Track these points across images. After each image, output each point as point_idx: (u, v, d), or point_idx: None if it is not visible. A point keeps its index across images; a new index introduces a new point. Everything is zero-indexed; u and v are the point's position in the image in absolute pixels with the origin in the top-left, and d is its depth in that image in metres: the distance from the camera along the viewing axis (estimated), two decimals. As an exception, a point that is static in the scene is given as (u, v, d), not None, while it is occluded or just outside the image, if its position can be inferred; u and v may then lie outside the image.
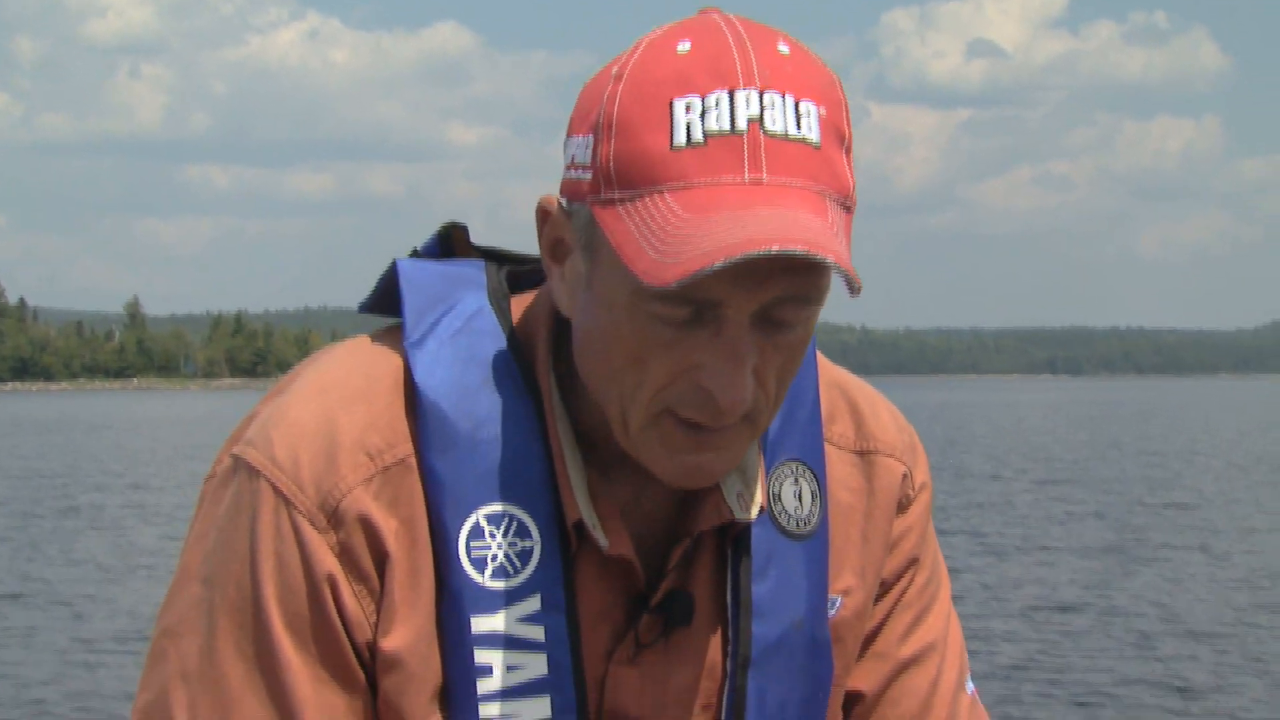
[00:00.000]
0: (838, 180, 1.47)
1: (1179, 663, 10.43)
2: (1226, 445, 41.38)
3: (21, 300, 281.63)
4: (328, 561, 1.55)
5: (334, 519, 1.55)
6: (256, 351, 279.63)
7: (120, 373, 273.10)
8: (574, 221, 1.53)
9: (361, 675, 1.56)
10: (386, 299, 1.69)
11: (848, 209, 1.50)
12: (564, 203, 1.55)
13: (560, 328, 1.62)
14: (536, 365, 1.62)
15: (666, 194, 1.43)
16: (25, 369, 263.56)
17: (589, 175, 1.49)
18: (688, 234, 1.40)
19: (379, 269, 1.69)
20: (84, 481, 29.86)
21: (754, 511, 1.64)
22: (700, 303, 1.44)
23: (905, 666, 1.79)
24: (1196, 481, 27.99)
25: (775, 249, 1.36)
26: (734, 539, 1.66)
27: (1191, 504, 22.93)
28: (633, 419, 1.52)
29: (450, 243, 1.73)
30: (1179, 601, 13.61)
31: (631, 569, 1.61)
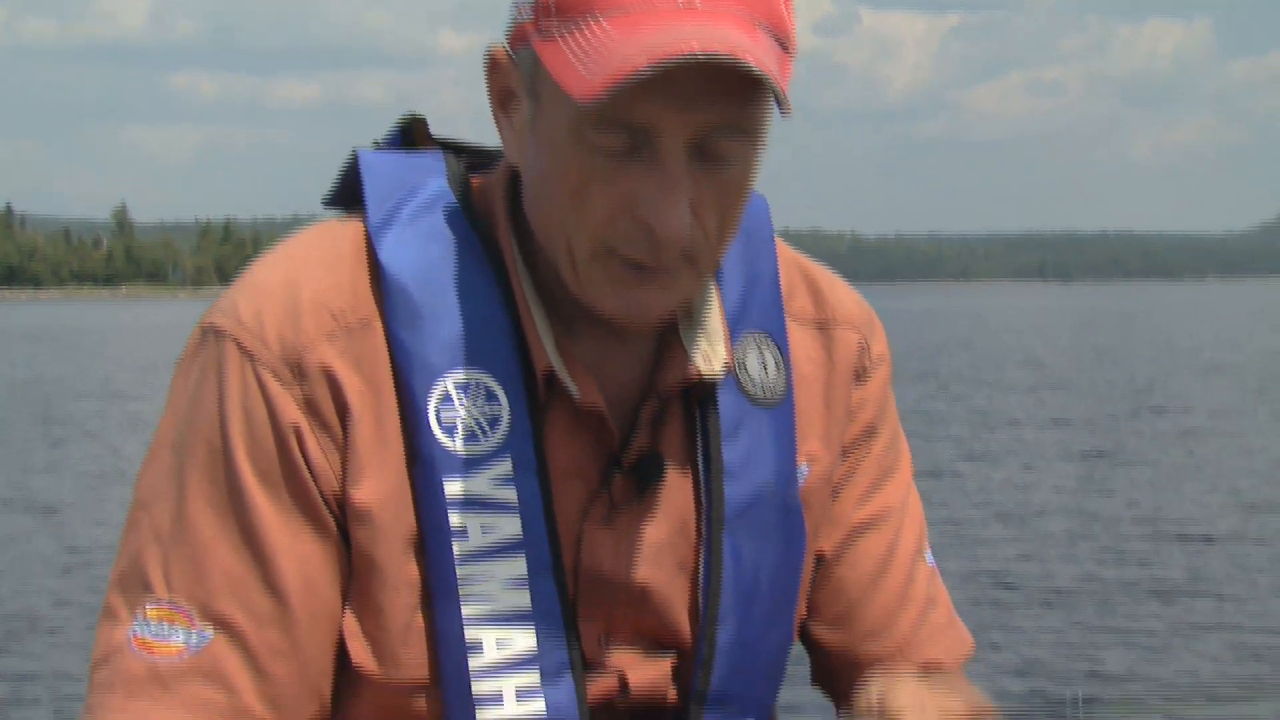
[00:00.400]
0: (774, 15, 1.52)
1: (1160, 566, 10.48)
2: (1213, 350, 41.47)
3: (8, 207, 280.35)
4: (293, 413, 1.59)
5: (298, 372, 1.59)
6: (245, 260, 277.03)
7: (108, 281, 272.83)
8: (520, 68, 1.58)
9: (333, 525, 1.60)
10: (349, 191, 1.73)
11: (785, 48, 1.53)
12: (510, 51, 1.60)
13: (518, 194, 1.67)
14: (497, 231, 1.66)
15: (602, 19, 1.49)
16: (13, 276, 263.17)
17: (531, 14, 1.55)
18: (615, 48, 1.45)
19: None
20: (71, 389, 29.85)
21: (718, 368, 1.68)
22: (634, 129, 1.49)
23: (862, 530, 1.82)
24: (1182, 387, 28.07)
25: (697, 49, 1.42)
26: (701, 402, 1.70)
27: (1176, 409, 23.00)
28: (578, 255, 1.56)
29: (411, 136, 1.78)
30: (1161, 505, 13.67)
31: (603, 422, 1.65)
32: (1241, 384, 28.37)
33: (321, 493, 1.60)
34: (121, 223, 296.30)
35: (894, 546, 1.84)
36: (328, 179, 1.77)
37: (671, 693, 1.71)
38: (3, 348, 51.40)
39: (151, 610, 1.59)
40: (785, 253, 1.82)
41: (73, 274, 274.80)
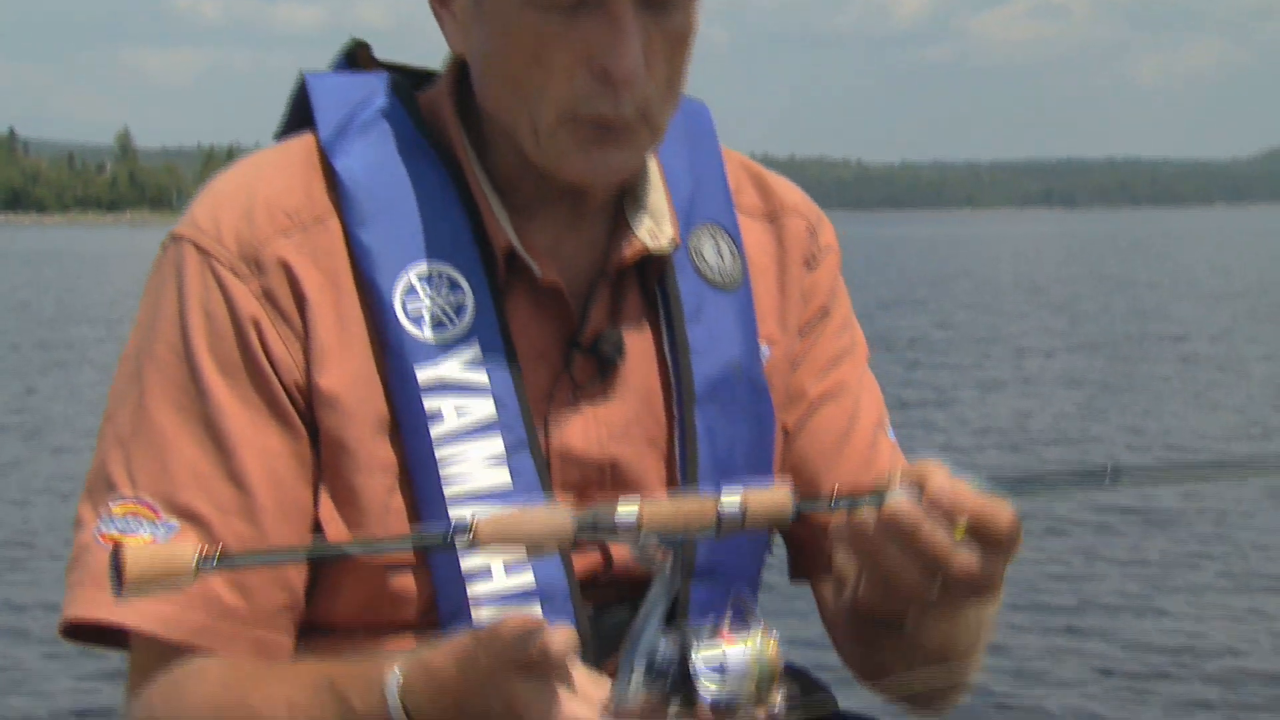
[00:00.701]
0: None
1: (1157, 496, 10.49)
2: (1217, 276, 41.43)
3: (11, 131, 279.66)
4: (251, 306, 1.64)
5: (254, 266, 1.65)
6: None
7: (112, 206, 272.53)
8: None
9: (298, 419, 1.64)
10: (299, 117, 1.77)
11: None
12: None
13: (465, 94, 1.73)
14: (446, 128, 1.72)
15: None
16: (17, 201, 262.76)
17: None
18: None
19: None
20: (75, 315, 29.85)
21: (665, 243, 1.75)
22: None
23: (821, 402, 1.87)
24: (1186, 312, 28.04)
25: None
26: (660, 284, 1.77)
27: (1179, 335, 22.99)
28: (541, 125, 1.63)
29: (356, 61, 1.84)
30: (1164, 431, 13.68)
31: (562, 302, 1.71)
32: (1245, 310, 28.34)
33: (284, 384, 1.64)
34: (125, 147, 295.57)
35: (854, 418, 1.87)
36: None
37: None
38: (6, 272, 51.39)
39: (117, 507, 1.62)
40: (732, 155, 1.89)
41: (76, 199, 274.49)
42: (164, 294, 1.68)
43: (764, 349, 1.82)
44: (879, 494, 1.42)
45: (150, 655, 1.63)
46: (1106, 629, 7.00)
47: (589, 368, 1.73)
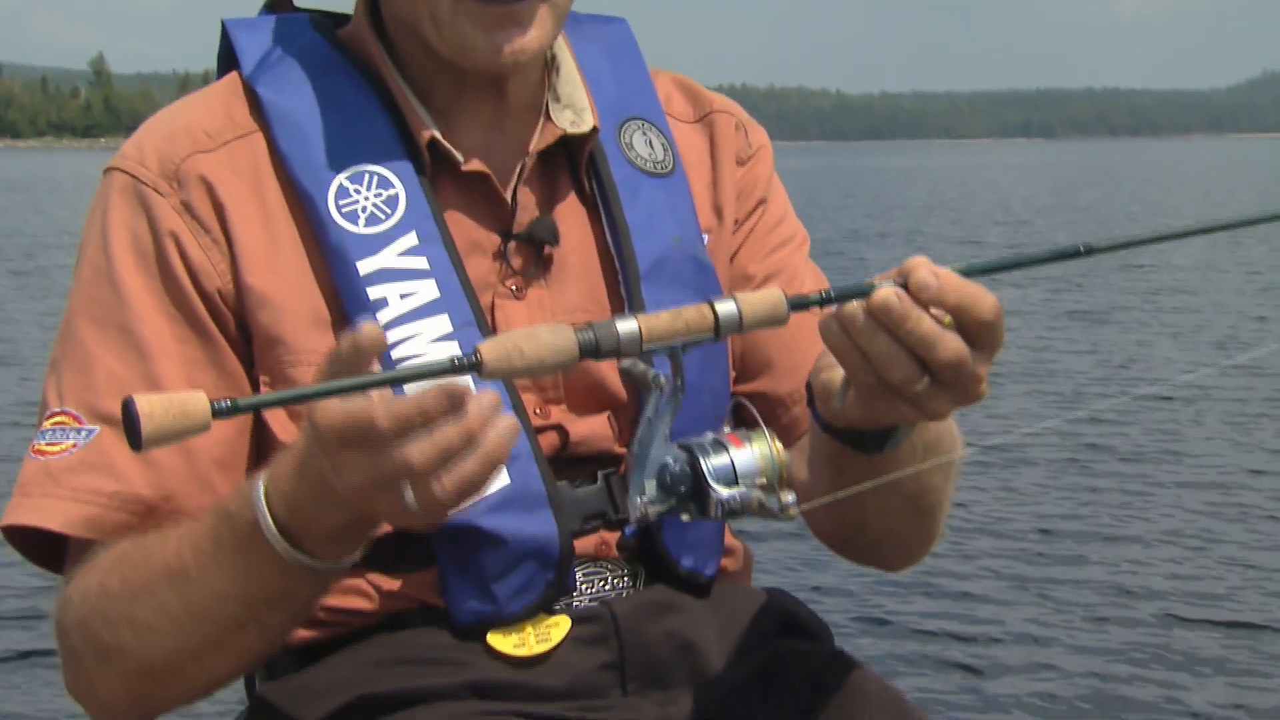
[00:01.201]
0: None
1: (1132, 425, 10.53)
2: (1195, 207, 41.46)
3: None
4: (171, 219, 1.70)
5: (175, 181, 1.71)
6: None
7: (87, 132, 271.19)
8: None
9: (216, 330, 1.69)
10: (229, 65, 1.84)
11: None
12: None
13: (377, 17, 1.80)
14: (364, 43, 1.79)
15: None
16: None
17: None
18: None
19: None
20: (47, 241, 29.72)
21: (586, 128, 1.81)
22: None
23: (765, 282, 1.92)
24: (1163, 244, 28.05)
25: None
26: (593, 173, 1.83)
27: (1156, 265, 23.02)
28: (439, 13, 1.69)
29: (276, 8, 1.90)
30: (1137, 359, 13.71)
31: (491, 190, 1.77)
32: (1219, 241, 28.38)
33: (205, 293, 1.69)
34: (99, 72, 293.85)
35: (801, 290, 1.85)
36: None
37: (619, 446, 1.79)
38: (-21, 198, 51.08)
39: (47, 423, 1.68)
40: (661, 73, 1.97)
41: (50, 124, 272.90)
42: (93, 221, 1.74)
43: (703, 235, 1.88)
44: (867, 287, 1.44)
45: (78, 554, 1.68)
46: (1067, 565, 7.01)
47: (527, 256, 1.78)
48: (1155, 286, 19.73)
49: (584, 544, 1.75)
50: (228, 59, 1.84)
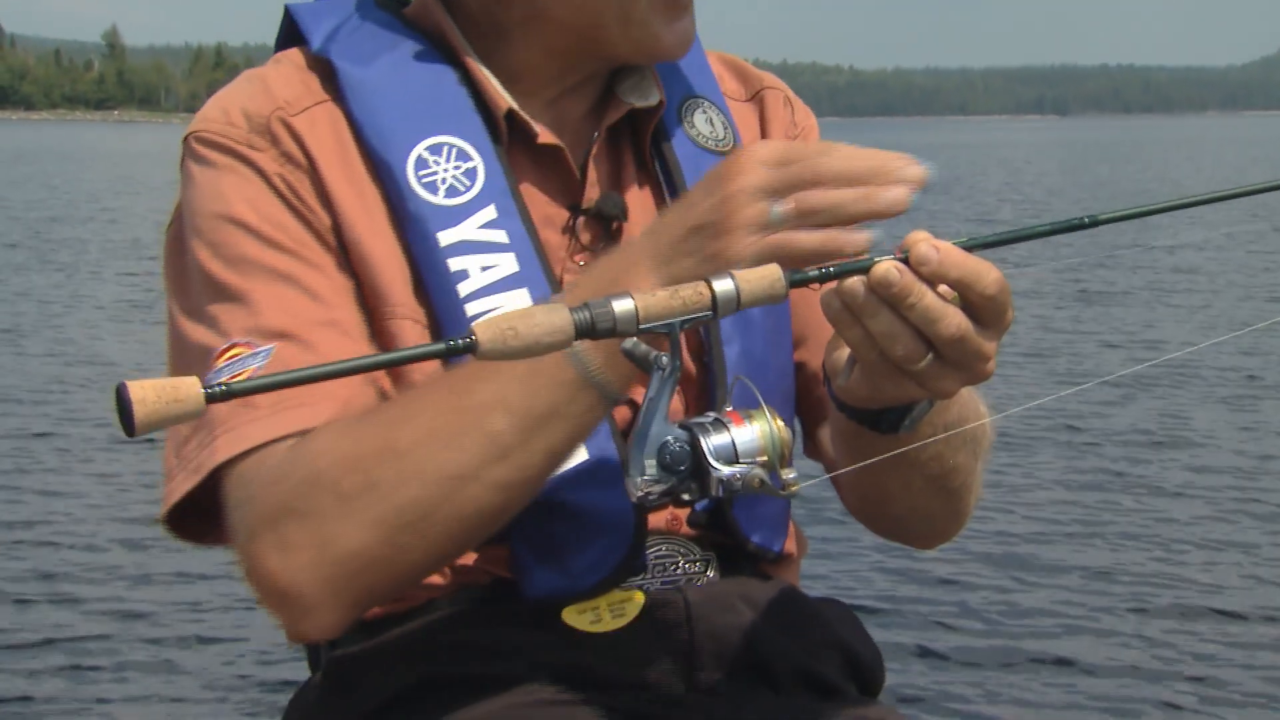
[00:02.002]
0: None
1: (1138, 387, 10.55)
2: (1208, 184, 41.25)
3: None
4: (273, 167, 1.70)
5: (268, 137, 1.71)
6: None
7: (100, 104, 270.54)
8: None
9: (340, 256, 1.69)
10: (288, 44, 1.84)
11: None
12: None
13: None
14: (434, 17, 1.80)
15: None
16: (5, 97, 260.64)
17: None
18: None
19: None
20: (60, 212, 29.61)
21: (653, 101, 1.83)
22: None
23: None
24: (1174, 220, 27.98)
25: None
26: (657, 149, 1.84)
27: (1165, 243, 22.93)
28: (635, 8, 1.73)
29: None
30: (1148, 330, 13.68)
31: (563, 163, 1.78)
32: (1232, 217, 28.27)
33: (320, 227, 1.69)
34: (113, 45, 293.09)
35: None
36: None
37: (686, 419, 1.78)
38: (-6, 169, 50.95)
39: (219, 361, 1.62)
40: (710, 52, 1.97)
41: (64, 96, 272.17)
42: (192, 182, 1.73)
43: None
44: (867, 262, 1.42)
45: (258, 463, 1.60)
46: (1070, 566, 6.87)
47: (595, 230, 1.79)
48: (1171, 263, 19.63)
49: (654, 520, 1.73)
50: (288, 40, 1.84)
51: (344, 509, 1.53)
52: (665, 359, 1.41)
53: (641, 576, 1.73)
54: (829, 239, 1.48)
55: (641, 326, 1.35)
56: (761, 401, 1.44)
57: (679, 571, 1.76)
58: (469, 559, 1.70)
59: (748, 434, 1.42)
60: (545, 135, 1.77)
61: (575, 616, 1.70)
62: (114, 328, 14.36)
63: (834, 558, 6.59)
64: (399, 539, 1.53)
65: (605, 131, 1.81)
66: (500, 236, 1.70)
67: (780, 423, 1.43)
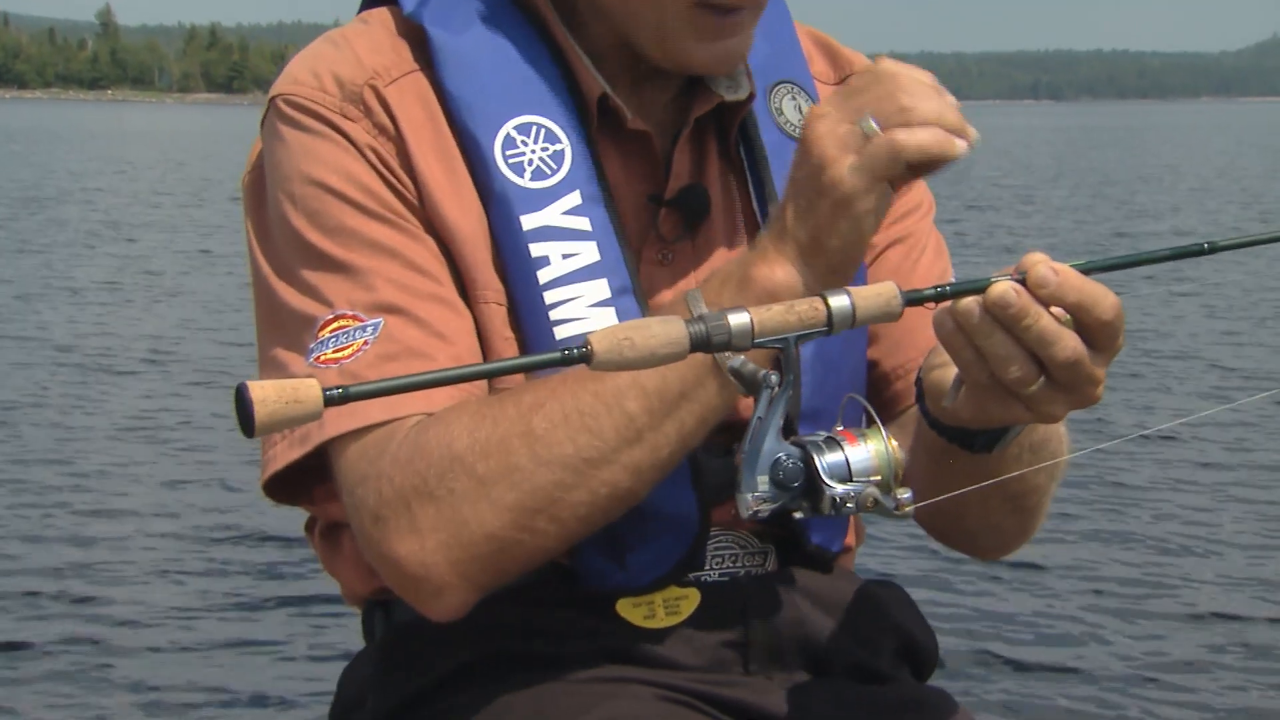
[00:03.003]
0: None
1: (1126, 378, 10.57)
2: (1204, 169, 41.37)
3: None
4: (364, 138, 1.67)
5: (361, 106, 1.68)
6: (232, 66, 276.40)
7: (94, 83, 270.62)
8: None
9: (430, 231, 1.67)
10: (377, 3, 1.80)
11: None
12: None
13: None
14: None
15: None
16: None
17: None
18: None
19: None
20: (52, 190, 29.62)
21: (743, 95, 1.78)
22: None
23: (887, 246, 1.88)
24: (1176, 203, 28.05)
25: None
26: (744, 138, 1.80)
27: (1159, 230, 23.01)
28: (670, 21, 1.66)
29: None
30: (1140, 323, 13.70)
31: (650, 151, 1.75)
32: (1227, 203, 28.38)
33: (410, 201, 1.66)
34: (106, 24, 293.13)
35: (918, 260, 1.89)
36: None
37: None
38: (-11, 148, 50.94)
39: (324, 332, 1.62)
40: (801, 27, 1.93)
41: (58, 75, 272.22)
42: (281, 144, 1.70)
43: None
44: (983, 282, 1.41)
45: (372, 440, 1.60)
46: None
47: (676, 222, 1.75)
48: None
49: (716, 514, 1.72)
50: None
51: (481, 492, 1.53)
52: (774, 377, 1.40)
53: (700, 570, 1.73)
54: (934, 136, 1.47)
55: (756, 341, 1.35)
56: (877, 420, 1.42)
57: (737, 563, 1.75)
58: None
59: (862, 453, 1.41)
60: (635, 121, 1.73)
61: (630, 610, 1.70)
62: (76, 311, 14.17)
63: (891, 538, 6.58)
64: (533, 522, 1.54)
65: (693, 121, 1.77)
66: (583, 224, 1.68)
67: (894, 443, 1.41)
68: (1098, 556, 6.63)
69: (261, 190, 1.73)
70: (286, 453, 1.63)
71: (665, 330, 1.30)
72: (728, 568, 1.75)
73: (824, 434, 1.42)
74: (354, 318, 1.61)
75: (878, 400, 1.86)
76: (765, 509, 1.40)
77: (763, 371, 1.41)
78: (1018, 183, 35.52)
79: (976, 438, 1.57)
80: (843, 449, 1.41)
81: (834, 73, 1.94)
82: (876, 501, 1.39)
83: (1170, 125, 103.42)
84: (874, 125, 1.46)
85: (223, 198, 28.32)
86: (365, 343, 1.60)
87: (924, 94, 1.48)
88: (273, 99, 1.72)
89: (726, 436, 1.69)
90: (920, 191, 1.94)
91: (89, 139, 62.52)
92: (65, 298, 14.96)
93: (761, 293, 1.49)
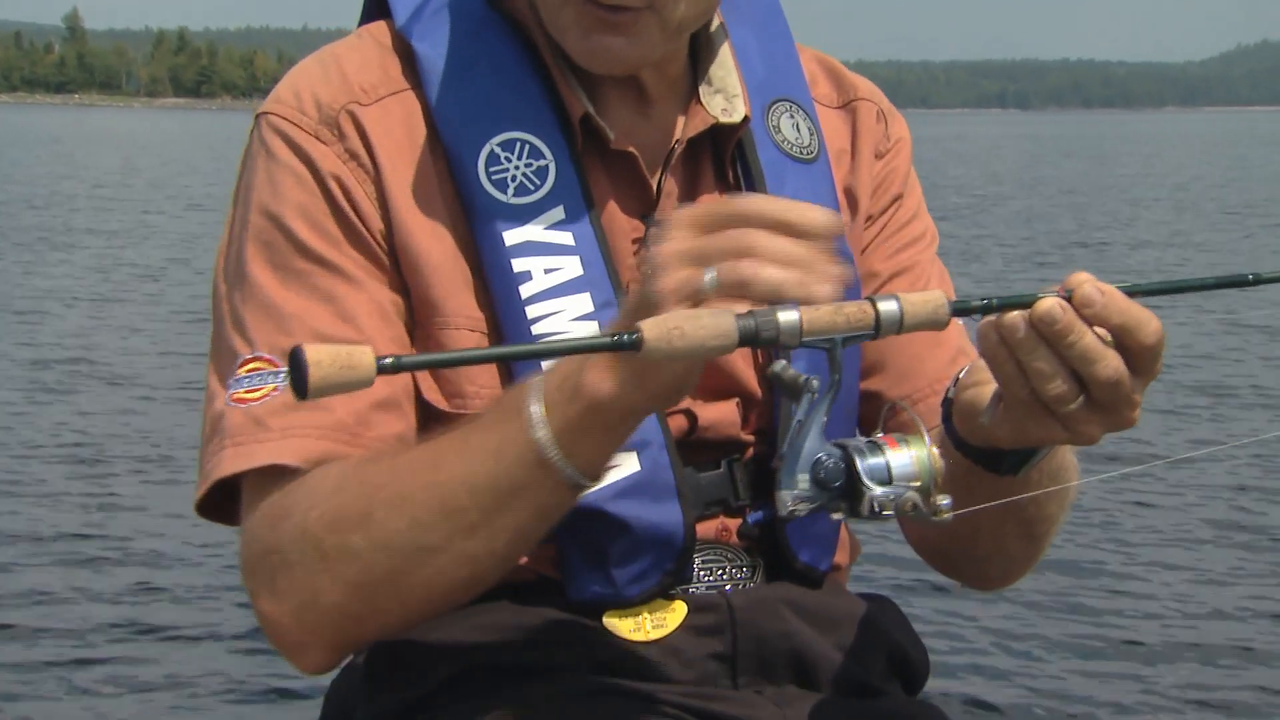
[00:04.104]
0: None
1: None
2: (1168, 178, 41.49)
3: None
4: (335, 165, 1.68)
5: (336, 130, 1.70)
6: (201, 70, 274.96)
7: (61, 87, 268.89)
8: None
9: (389, 265, 1.68)
10: (375, 13, 1.83)
11: None
12: None
13: None
14: (518, 7, 1.77)
15: None
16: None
17: None
18: None
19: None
20: (16, 194, 29.40)
21: (738, 117, 1.78)
22: None
23: (891, 277, 1.89)
24: (1136, 214, 28.11)
25: None
26: (740, 158, 1.80)
27: (1124, 241, 23.09)
28: (556, 9, 1.66)
29: None
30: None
31: (637, 171, 1.75)
32: (1185, 211, 28.50)
33: (372, 234, 1.68)
34: (74, 28, 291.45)
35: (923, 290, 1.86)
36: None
37: (745, 434, 1.77)
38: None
39: (241, 370, 1.65)
40: (805, 49, 1.93)
41: (24, 79, 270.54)
42: (254, 168, 1.73)
43: None
44: (1031, 296, 1.41)
45: (269, 486, 1.63)
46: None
47: None
48: None
49: (704, 529, 1.74)
50: (376, 10, 1.82)
51: (324, 567, 1.57)
52: (815, 382, 1.41)
53: (688, 583, 1.74)
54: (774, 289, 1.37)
55: (804, 340, 1.36)
56: (921, 427, 1.43)
57: (724, 577, 1.76)
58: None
59: (903, 458, 1.41)
60: (619, 141, 1.74)
61: (617, 622, 1.71)
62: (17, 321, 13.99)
63: (883, 555, 6.46)
64: (375, 601, 1.57)
65: (685, 142, 1.78)
66: (566, 239, 1.70)
67: (935, 450, 1.42)
68: (1088, 575, 6.65)
69: (236, 208, 1.76)
70: (200, 487, 1.68)
71: (715, 322, 1.32)
72: (715, 581, 1.75)
73: (865, 439, 1.43)
74: (270, 361, 1.65)
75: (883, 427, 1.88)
76: (803, 508, 1.40)
77: (804, 377, 1.42)
78: (981, 192, 35.54)
79: (1004, 460, 1.58)
80: (884, 453, 1.41)
81: (838, 95, 1.94)
82: (915, 506, 1.40)
83: (1135, 135, 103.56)
84: (711, 282, 1.38)
85: (180, 206, 28.06)
86: (275, 389, 1.63)
87: (776, 246, 1.38)
88: (257, 116, 1.75)
89: (714, 451, 1.75)
90: (924, 222, 1.95)
91: (51, 143, 61.98)
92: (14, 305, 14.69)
93: (588, 402, 1.44)
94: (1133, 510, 7.74)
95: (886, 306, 1.38)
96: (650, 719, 1.66)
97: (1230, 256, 19.90)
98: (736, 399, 1.77)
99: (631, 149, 1.74)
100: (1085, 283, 1.40)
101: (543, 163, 1.71)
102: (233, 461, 1.63)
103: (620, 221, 1.75)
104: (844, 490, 1.40)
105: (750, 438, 1.78)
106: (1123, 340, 1.41)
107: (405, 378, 1.68)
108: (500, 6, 1.78)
